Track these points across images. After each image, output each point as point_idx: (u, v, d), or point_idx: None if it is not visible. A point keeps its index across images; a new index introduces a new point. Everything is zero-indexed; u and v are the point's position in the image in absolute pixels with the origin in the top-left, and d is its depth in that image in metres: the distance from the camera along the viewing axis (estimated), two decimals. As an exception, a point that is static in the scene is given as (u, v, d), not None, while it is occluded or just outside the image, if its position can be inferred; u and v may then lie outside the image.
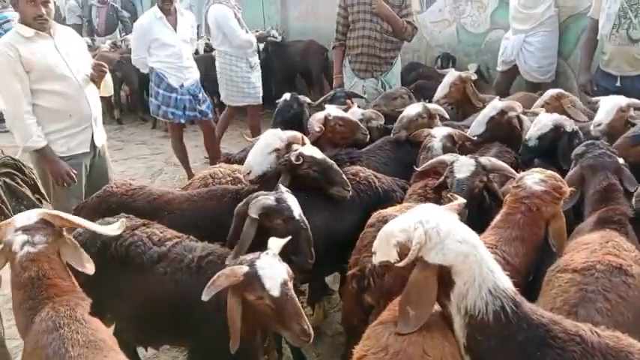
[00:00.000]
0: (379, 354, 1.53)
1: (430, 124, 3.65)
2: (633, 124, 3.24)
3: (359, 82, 5.20)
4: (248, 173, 3.04)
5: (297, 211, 2.37)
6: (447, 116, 3.90)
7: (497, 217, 2.23)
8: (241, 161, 3.51)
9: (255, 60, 6.30)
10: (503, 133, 3.48)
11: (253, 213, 2.30)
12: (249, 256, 1.94)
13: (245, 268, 1.85)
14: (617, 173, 2.53)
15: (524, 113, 3.55)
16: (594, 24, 4.91)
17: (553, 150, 3.15)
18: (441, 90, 4.54)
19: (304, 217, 2.40)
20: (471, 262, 1.54)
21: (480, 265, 1.54)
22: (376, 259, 1.74)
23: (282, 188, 2.48)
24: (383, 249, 1.69)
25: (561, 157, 3.05)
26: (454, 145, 3.17)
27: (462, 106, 4.60)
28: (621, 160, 2.64)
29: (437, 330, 1.59)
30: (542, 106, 3.86)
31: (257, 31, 7.57)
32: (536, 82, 5.65)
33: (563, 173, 2.59)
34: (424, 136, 3.24)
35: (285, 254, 2.07)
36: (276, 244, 2.06)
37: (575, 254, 2.04)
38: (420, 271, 1.58)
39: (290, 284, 1.88)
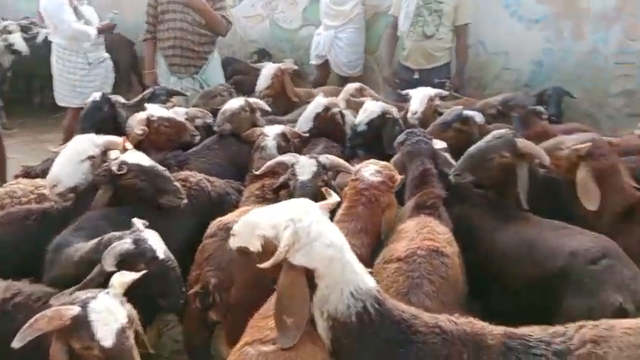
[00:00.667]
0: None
1: (253, 119, 3.59)
2: (440, 113, 3.57)
3: (176, 82, 4.89)
4: (54, 186, 2.60)
5: (160, 249, 2.04)
6: (269, 109, 3.87)
7: (340, 211, 2.23)
8: (45, 174, 3.01)
9: (97, 55, 5.57)
10: (329, 128, 3.56)
11: (109, 266, 1.91)
12: (84, 295, 1.62)
13: (74, 310, 1.53)
14: (433, 158, 2.69)
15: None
16: (395, 22, 5.32)
17: (378, 136, 3.32)
18: (263, 82, 4.49)
19: (170, 254, 2.08)
20: (335, 265, 1.48)
21: (344, 268, 1.50)
22: (234, 243, 1.60)
23: (138, 223, 2.12)
24: (245, 236, 1.57)
25: (387, 144, 3.20)
26: (288, 143, 3.15)
27: (278, 99, 4.57)
28: (442, 145, 2.85)
29: (308, 339, 1.50)
30: (347, 100, 4.06)
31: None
32: (346, 76, 5.93)
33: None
34: (256, 136, 3.15)
35: (151, 295, 1.82)
36: (121, 281, 1.74)
37: (397, 244, 2.13)
38: (286, 274, 1.48)
39: (129, 332, 1.60)
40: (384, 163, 2.39)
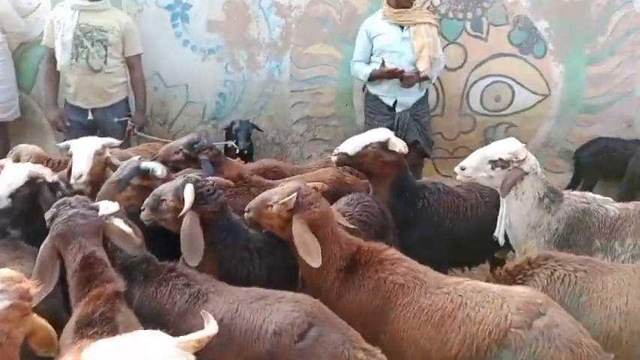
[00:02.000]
0: None
1: None
2: (116, 166, 2.94)
3: None
4: None
5: None
6: None
7: None
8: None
9: None
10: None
11: None
12: None
13: None
14: (97, 235, 2.02)
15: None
16: (51, 54, 4.44)
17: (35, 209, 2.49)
18: None
19: None
20: None
21: None
22: None
23: None
24: None
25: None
26: None
27: None
28: (114, 208, 2.21)
29: None
30: None
31: None
32: (2, 122, 4.78)
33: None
34: None
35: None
36: None
37: None
38: None
39: None
40: (9, 271, 1.57)
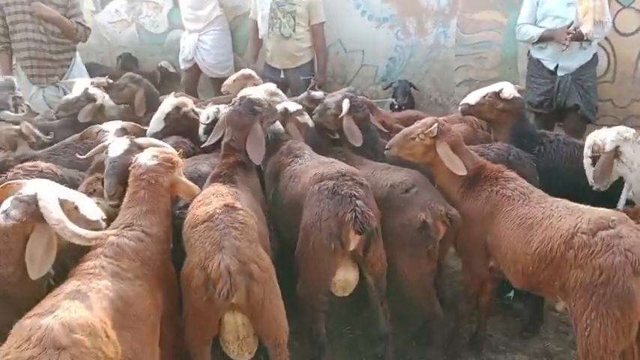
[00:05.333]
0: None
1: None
2: None
3: (37, 91, 4.80)
4: None
5: None
6: None
7: (125, 199, 2.34)
8: None
9: None
10: (182, 126, 3.66)
11: None
12: None
13: None
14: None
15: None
16: (255, 25, 5.52)
17: None
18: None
19: None
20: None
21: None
22: None
23: None
24: None
25: None
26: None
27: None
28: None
29: None
30: (234, 81, 4.54)
31: None
32: (217, 77, 6.02)
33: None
34: (95, 133, 3.21)
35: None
36: None
37: (196, 210, 2.32)
38: None
39: None
40: (161, 147, 2.61)
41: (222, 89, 4.71)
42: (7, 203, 1.91)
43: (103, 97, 4.11)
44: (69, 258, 2.03)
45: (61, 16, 4.71)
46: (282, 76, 5.49)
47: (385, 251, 2.60)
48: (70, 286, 1.76)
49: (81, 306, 1.64)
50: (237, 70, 6.15)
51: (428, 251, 2.65)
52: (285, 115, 3.41)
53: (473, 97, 3.54)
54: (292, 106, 3.51)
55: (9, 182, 2.01)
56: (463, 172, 2.81)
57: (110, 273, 1.89)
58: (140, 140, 2.73)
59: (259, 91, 3.55)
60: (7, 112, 4.14)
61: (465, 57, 5.44)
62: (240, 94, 3.41)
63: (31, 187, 1.94)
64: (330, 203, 2.50)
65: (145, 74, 6.11)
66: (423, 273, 2.71)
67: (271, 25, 5.31)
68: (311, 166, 2.86)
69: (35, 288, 1.90)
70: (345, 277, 2.57)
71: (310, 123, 3.52)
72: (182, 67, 6.14)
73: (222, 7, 5.91)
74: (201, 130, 3.52)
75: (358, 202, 2.49)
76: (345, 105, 3.33)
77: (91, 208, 2.03)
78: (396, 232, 2.71)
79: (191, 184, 2.54)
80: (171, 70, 6.53)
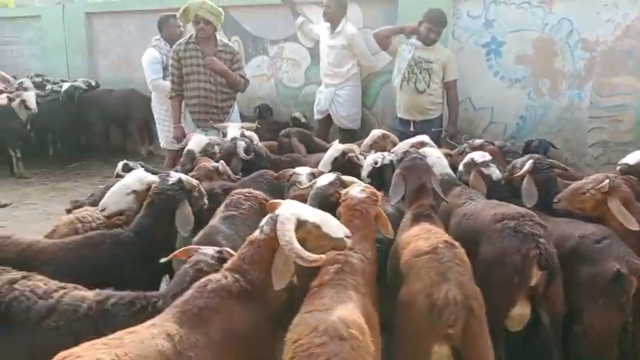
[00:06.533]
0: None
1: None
2: None
3: (201, 133, 5.38)
4: (103, 210, 3.19)
5: None
6: None
7: None
8: (93, 205, 3.49)
9: None
10: (345, 170, 4.01)
11: None
12: None
13: None
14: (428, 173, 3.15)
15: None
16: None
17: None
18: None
19: None
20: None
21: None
22: None
23: None
24: None
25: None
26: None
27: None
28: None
29: None
30: (371, 145, 4.64)
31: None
32: (346, 129, 6.51)
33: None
34: (289, 175, 3.62)
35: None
36: None
37: (416, 243, 2.54)
38: None
39: None
40: (365, 184, 2.91)
41: (362, 149, 4.87)
42: (264, 219, 2.24)
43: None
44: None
45: (229, 69, 5.36)
46: (412, 128, 5.78)
47: (570, 301, 2.71)
48: (327, 292, 2.06)
49: (348, 307, 1.93)
50: (364, 122, 6.67)
51: (620, 304, 2.64)
52: (471, 165, 3.63)
53: (633, 158, 3.65)
54: (479, 156, 3.68)
55: (274, 202, 2.38)
56: (636, 228, 2.93)
57: (352, 286, 2.17)
58: (344, 177, 3.09)
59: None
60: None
61: (599, 119, 5.52)
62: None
63: (282, 207, 2.27)
64: (514, 240, 2.67)
65: (279, 123, 6.80)
66: (611, 327, 2.69)
67: (407, 79, 5.69)
68: (488, 207, 3.06)
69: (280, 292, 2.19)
70: (522, 312, 2.69)
71: (495, 176, 3.59)
72: (316, 117, 6.66)
73: (358, 66, 6.41)
74: (364, 174, 3.84)
75: (541, 239, 2.64)
76: (528, 165, 3.43)
77: (335, 227, 2.29)
78: (585, 282, 2.75)
79: (386, 218, 2.82)
80: (303, 120, 7.05)
